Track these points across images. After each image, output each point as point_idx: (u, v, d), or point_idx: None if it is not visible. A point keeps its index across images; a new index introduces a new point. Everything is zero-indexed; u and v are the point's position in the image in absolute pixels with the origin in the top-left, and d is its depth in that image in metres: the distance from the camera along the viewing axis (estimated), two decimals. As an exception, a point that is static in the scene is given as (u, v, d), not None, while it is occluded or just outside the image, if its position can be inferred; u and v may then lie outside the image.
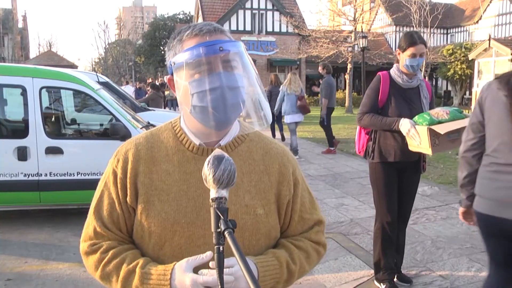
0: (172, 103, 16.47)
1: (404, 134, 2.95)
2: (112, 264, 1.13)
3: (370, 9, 25.16)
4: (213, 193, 0.95)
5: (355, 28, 21.38)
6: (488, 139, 2.11)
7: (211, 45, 1.08)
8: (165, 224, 1.13)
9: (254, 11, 29.26)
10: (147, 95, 13.01)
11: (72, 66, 32.55)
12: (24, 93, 4.58)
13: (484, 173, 2.13)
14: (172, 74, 1.15)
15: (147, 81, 22.89)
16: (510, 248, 2.11)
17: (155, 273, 1.08)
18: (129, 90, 16.03)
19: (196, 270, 1.06)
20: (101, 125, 5.91)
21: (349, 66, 21.96)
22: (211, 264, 1.04)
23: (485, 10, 31.90)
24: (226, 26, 16.01)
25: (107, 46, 49.78)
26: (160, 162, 1.17)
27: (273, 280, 1.15)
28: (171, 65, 1.15)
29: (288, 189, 1.23)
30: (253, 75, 1.16)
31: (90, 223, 1.19)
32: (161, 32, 45.95)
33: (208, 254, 1.06)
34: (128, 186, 1.16)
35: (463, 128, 2.40)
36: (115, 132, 4.62)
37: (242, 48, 1.14)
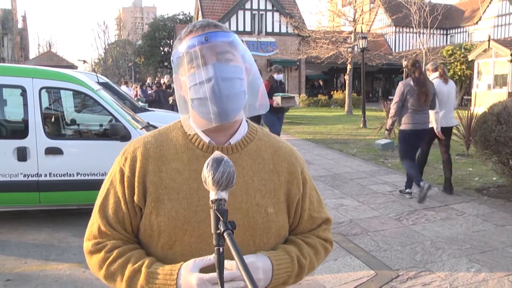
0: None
1: None
2: (117, 264, 1.11)
3: (370, 9, 25.14)
4: (212, 195, 0.95)
5: (355, 29, 21.36)
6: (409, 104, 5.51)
7: (199, 36, 1.10)
8: (175, 223, 1.12)
9: (253, 12, 29.25)
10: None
11: (72, 66, 32.56)
12: (23, 93, 4.58)
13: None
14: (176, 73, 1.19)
15: (146, 81, 22.98)
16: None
17: (161, 273, 1.07)
18: (126, 91, 15.98)
19: (203, 271, 1.05)
20: (101, 125, 5.90)
21: (348, 66, 21.94)
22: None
23: (484, 11, 31.92)
24: (226, 27, 15.93)
25: (107, 46, 49.73)
26: (170, 161, 1.16)
27: (286, 274, 1.15)
28: (172, 63, 1.18)
29: (297, 188, 1.23)
30: (250, 65, 1.16)
31: (95, 222, 1.17)
32: (161, 33, 45.92)
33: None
34: (136, 185, 1.15)
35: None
36: (114, 132, 4.62)
37: (234, 38, 1.14)
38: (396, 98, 5.59)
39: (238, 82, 1.11)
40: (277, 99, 7.73)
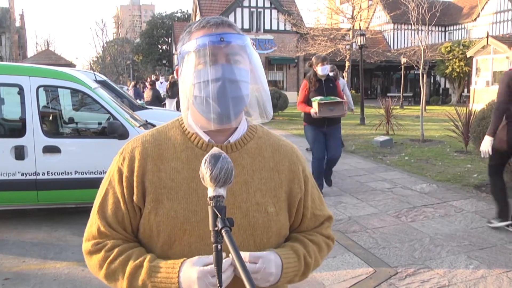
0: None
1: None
2: (118, 261, 1.11)
3: (368, 7, 25.17)
4: (210, 192, 0.94)
5: (353, 26, 21.37)
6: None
7: (213, 35, 1.08)
8: (174, 222, 1.11)
9: (252, 9, 29.21)
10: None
11: (70, 65, 32.49)
12: (21, 92, 4.57)
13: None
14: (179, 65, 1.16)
15: (146, 79, 22.86)
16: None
17: (164, 266, 1.07)
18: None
19: None
20: (99, 123, 5.89)
21: (347, 64, 21.95)
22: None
23: (483, 7, 31.92)
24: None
25: (105, 44, 49.64)
26: (168, 160, 1.15)
27: (293, 273, 1.15)
28: (178, 55, 1.16)
29: (299, 187, 1.23)
30: (258, 71, 1.15)
31: (94, 222, 1.16)
32: (159, 31, 45.84)
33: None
34: (135, 184, 1.14)
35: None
36: (112, 130, 4.60)
37: (247, 42, 1.13)
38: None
39: (244, 85, 1.10)
40: (315, 106, 5.54)
